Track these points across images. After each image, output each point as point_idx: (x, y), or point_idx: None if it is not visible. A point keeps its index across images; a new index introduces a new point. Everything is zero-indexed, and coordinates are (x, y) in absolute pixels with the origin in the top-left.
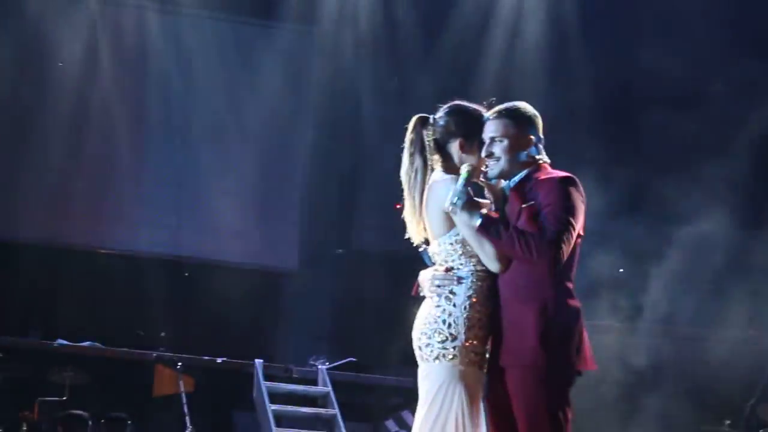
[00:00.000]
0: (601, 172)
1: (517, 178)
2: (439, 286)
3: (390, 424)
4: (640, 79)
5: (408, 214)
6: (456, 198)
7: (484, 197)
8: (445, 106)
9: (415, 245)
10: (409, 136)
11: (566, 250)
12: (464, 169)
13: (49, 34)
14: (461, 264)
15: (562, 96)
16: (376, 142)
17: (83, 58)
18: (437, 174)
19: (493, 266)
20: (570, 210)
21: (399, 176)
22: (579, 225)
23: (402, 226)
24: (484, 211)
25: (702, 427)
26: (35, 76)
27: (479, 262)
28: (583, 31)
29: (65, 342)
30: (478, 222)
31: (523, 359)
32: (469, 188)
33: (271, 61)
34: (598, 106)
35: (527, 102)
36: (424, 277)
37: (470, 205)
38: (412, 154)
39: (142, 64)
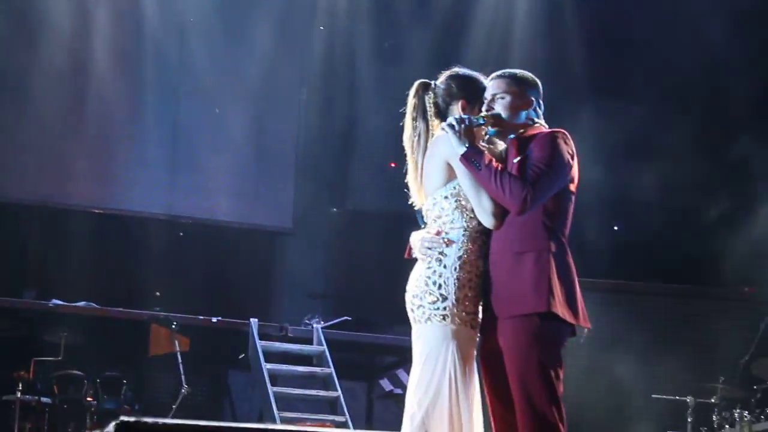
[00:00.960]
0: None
1: (511, 137)
2: (429, 249)
3: (384, 382)
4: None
5: (411, 178)
6: (458, 120)
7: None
8: (447, 72)
9: (416, 208)
10: (411, 101)
11: (540, 195)
12: (482, 114)
13: None
14: (453, 219)
15: (556, 60)
16: (371, 101)
17: (77, 19)
18: (438, 133)
19: (488, 221)
20: (553, 160)
21: (392, 136)
22: (565, 178)
23: (395, 185)
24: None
25: (698, 384)
26: (30, 37)
27: (471, 218)
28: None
29: (60, 302)
30: (464, 149)
31: (518, 308)
32: (474, 122)
33: (265, 20)
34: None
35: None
36: (415, 238)
37: (467, 132)
38: (414, 119)
39: (137, 24)
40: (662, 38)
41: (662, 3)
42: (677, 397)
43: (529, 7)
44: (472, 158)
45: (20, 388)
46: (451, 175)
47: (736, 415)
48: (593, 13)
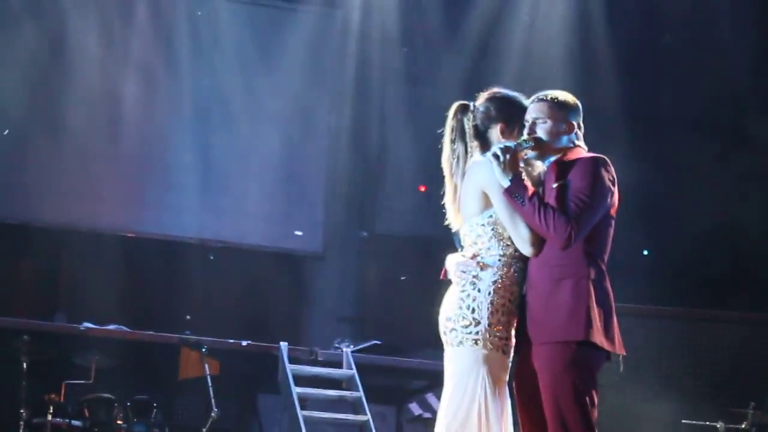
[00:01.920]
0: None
1: (551, 161)
2: (464, 271)
3: (414, 406)
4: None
5: (448, 201)
6: (503, 150)
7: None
8: (486, 93)
9: (453, 230)
10: (449, 123)
11: (583, 229)
12: (524, 135)
13: (76, 22)
14: (490, 247)
15: (586, 84)
16: (400, 124)
17: (110, 45)
18: (476, 157)
19: (526, 250)
20: (595, 191)
21: (422, 160)
22: (606, 205)
23: (424, 209)
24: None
25: (728, 409)
26: (64, 63)
27: (508, 245)
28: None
29: (91, 325)
30: (507, 182)
31: (554, 335)
32: (520, 150)
33: (295, 44)
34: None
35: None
36: (451, 261)
37: (512, 165)
38: (453, 141)
39: (167, 48)
40: (692, 64)
41: (691, 28)
42: (707, 423)
43: (562, 29)
44: (515, 193)
45: (51, 411)
46: (487, 204)
47: None
48: (626, 37)
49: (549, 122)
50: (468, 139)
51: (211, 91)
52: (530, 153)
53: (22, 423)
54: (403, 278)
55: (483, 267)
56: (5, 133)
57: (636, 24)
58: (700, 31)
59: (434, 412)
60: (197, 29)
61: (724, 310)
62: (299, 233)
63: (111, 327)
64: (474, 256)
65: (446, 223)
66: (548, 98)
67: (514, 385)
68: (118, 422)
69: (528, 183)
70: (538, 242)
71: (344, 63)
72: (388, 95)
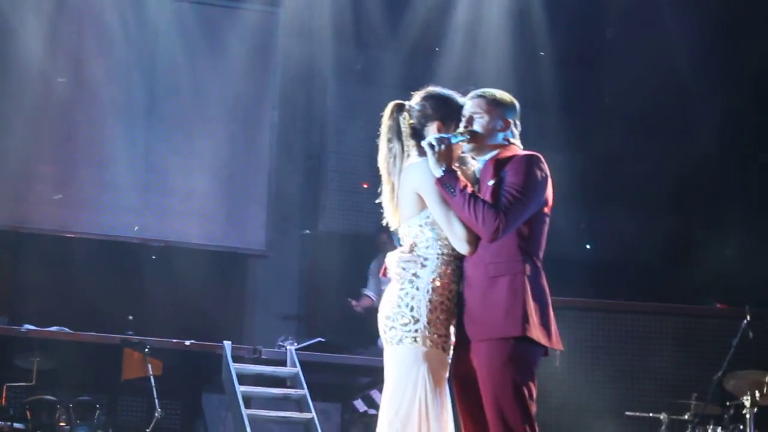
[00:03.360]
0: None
1: (487, 157)
2: (404, 269)
3: (358, 403)
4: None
5: (386, 200)
6: (438, 140)
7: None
8: (421, 92)
9: (392, 230)
10: (386, 123)
11: (512, 223)
12: (460, 129)
13: (12, 17)
14: (428, 246)
15: (527, 79)
16: (342, 123)
17: (46, 41)
18: (413, 158)
19: (462, 248)
20: (526, 186)
21: (364, 157)
22: (539, 202)
23: (366, 207)
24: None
25: (671, 401)
26: (1, 65)
27: (447, 245)
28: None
29: (32, 327)
30: (440, 173)
31: (492, 332)
32: (456, 143)
33: (236, 42)
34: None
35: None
36: (391, 259)
37: (445, 156)
38: (389, 140)
39: (105, 46)
40: (633, 59)
41: (633, 23)
42: (651, 414)
43: (501, 25)
44: (447, 183)
45: None
46: (423, 205)
47: (709, 431)
48: (565, 32)
49: (486, 117)
50: (404, 138)
51: (152, 89)
52: (466, 146)
53: None
54: None
55: (423, 263)
56: None
57: (577, 19)
58: (642, 25)
59: (378, 409)
60: (139, 27)
61: (666, 302)
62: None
63: (52, 329)
64: (411, 250)
65: (384, 222)
66: (486, 95)
67: (452, 382)
68: (61, 424)
69: (461, 176)
70: (474, 240)
71: (287, 61)
72: (330, 93)
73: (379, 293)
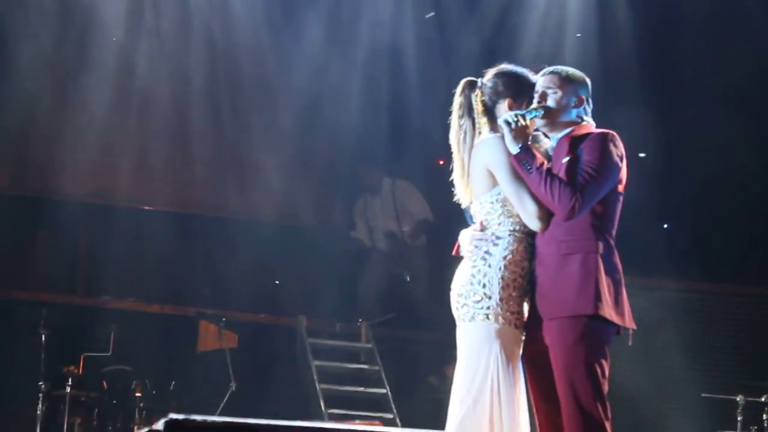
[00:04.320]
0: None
1: (560, 135)
2: (476, 246)
3: (433, 379)
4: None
5: (457, 177)
6: (514, 118)
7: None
8: (493, 69)
9: (463, 206)
10: (457, 99)
11: (588, 202)
12: (534, 105)
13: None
14: (500, 223)
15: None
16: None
17: (126, 20)
18: (484, 135)
19: (534, 224)
20: (602, 165)
21: (440, 133)
22: (613, 181)
23: (440, 184)
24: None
25: (748, 382)
26: (80, 39)
27: (518, 222)
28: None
29: (110, 298)
30: (517, 150)
31: (565, 310)
32: (531, 119)
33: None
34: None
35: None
36: (464, 236)
37: (521, 133)
38: (460, 117)
39: (186, 27)
40: (715, 40)
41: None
42: (727, 396)
43: (582, 4)
44: (523, 160)
45: (70, 383)
46: (494, 182)
47: None
48: (646, 12)
49: (559, 93)
50: (476, 115)
51: (232, 68)
52: (539, 122)
53: (41, 395)
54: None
55: (495, 241)
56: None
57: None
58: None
59: (451, 385)
60: (218, 8)
61: (744, 284)
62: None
63: (129, 299)
64: (483, 228)
65: (455, 199)
66: (559, 71)
67: (524, 360)
68: (137, 394)
69: (537, 153)
70: (546, 217)
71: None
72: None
73: (370, 233)
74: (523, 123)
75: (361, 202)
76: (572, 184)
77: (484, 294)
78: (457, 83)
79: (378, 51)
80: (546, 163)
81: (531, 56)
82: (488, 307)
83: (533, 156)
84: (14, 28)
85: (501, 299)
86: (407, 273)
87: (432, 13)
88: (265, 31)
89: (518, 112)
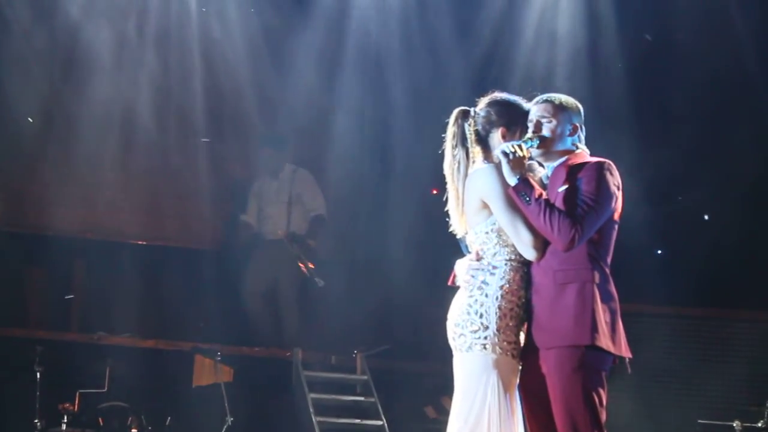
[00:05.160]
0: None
1: (556, 164)
2: (473, 276)
3: (429, 410)
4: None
5: (451, 207)
6: (511, 149)
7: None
8: (486, 98)
9: (458, 236)
10: (450, 129)
11: (587, 233)
12: (529, 135)
13: (87, 33)
14: (495, 253)
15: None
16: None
17: (118, 54)
18: (478, 164)
19: (529, 254)
20: (600, 195)
21: (432, 163)
22: (611, 210)
23: (438, 215)
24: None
25: (745, 408)
26: (74, 74)
27: (514, 251)
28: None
29: (104, 333)
30: (515, 181)
31: (561, 339)
32: (527, 148)
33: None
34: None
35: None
36: (460, 266)
37: (518, 164)
38: (454, 147)
39: (174, 52)
40: (704, 61)
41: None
42: (724, 423)
43: (569, 29)
44: (522, 191)
45: (65, 420)
46: (489, 211)
47: None
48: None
49: (554, 121)
50: (469, 145)
51: (218, 103)
52: (534, 152)
53: None
54: None
55: (492, 270)
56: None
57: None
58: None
59: (448, 416)
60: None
61: (739, 308)
62: None
63: (125, 335)
64: (479, 258)
65: (450, 229)
66: (553, 99)
67: (520, 389)
68: (133, 431)
69: (535, 183)
70: (541, 246)
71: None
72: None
73: (260, 216)
74: (521, 154)
75: (257, 184)
76: (571, 216)
77: (481, 324)
78: (450, 111)
79: (366, 76)
80: (544, 193)
81: (522, 81)
82: (485, 337)
83: (532, 187)
84: (2, 60)
85: (498, 329)
86: (319, 280)
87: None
88: (251, 63)
89: (515, 142)
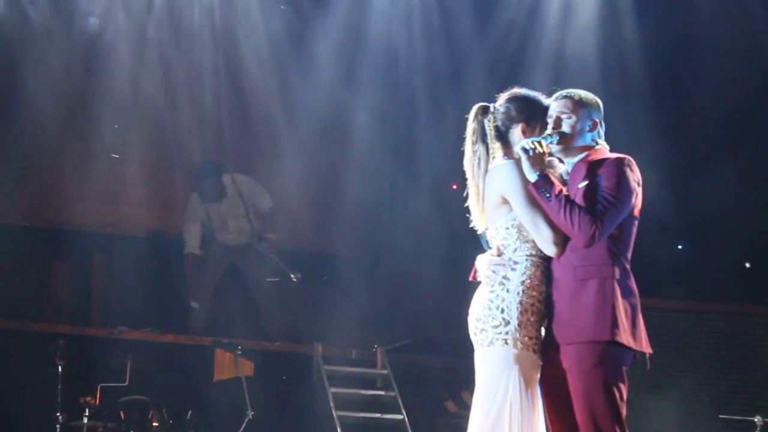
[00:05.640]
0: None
1: (575, 160)
2: (494, 272)
3: (450, 404)
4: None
5: (472, 202)
6: (531, 145)
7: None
8: (505, 93)
9: (479, 232)
10: (470, 125)
11: (607, 229)
12: (549, 131)
13: (108, 29)
14: (516, 248)
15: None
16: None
17: (138, 51)
18: (498, 160)
19: (549, 250)
20: (621, 191)
21: (451, 158)
22: (631, 206)
23: (459, 210)
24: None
25: (766, 403)
26: (95, 70)
27: (534, 247)
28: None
29: (126, 328)
30: (535, 177)
31: (582, 335)
32: (547, 145)
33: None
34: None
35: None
36: (481, 262)
37: (538, 160)
38: (474, 143)
39: (192, 49)
40: (725, 55)
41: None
42: (745, 417)
43: (590, 31)
44: (542, 188)
45: (87, 414)
46: (509, 207)
47: None
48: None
49: (573, 117)
50: (489, 141)
51: (240, 91)
52: (554, 148)
53: (58, 426)
54: None
55: (513, 266)
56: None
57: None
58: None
59: (469, 410)
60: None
61: (760, 304)
62: None
63: (145, 330)
64: (500, 253)
65: (471, 225)
66: (572, 95)
67: (541, 384)
68: (154, 424)
69: (555, 180)
70: (561, 242)
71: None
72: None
73: (211, 234)
74: (541, 150)
75: (199, 211)
76: (592, 212)
77: (503, 319)
78: (468, 108)
79: (387, 73)
80: (564, 190)
81: (543, 80)
82: (507, 332)
83: (552, 184)
84: (25, 58)
85: (519, 324)
86: (295, 274)
87: None
88: (273, 62)
89: (534, 138)
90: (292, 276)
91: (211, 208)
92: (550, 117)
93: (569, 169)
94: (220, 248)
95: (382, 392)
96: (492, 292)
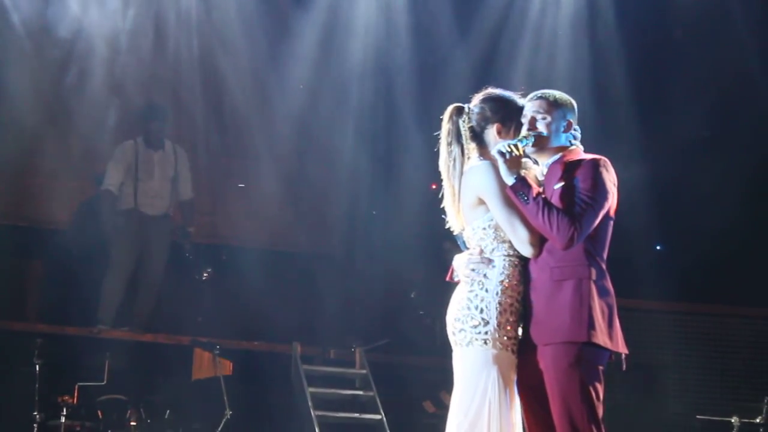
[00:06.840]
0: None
1: (551, 161)
2: (473, 270)
3: (428, 404)
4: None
5: (448, 203)
6: (507, 147)
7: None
8: (480, 94)
9: (455, 233)
10: (445, 126)
11: (585, 230)
12: (524, 132)
13: (85, 24)
14: (494, 249)
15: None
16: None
17: (115, 47)
18: (473, 161)
19: (526, 251)
20: (597, 192)
21: (430, 158)
22: (607, 207)
23: (438, 210)
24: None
25: (742, 404)
26: (71, 68)
27: (511, 247)
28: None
29: (104, 327)
30: (512, 180)
31: (559, 336)
32: (523, 147)
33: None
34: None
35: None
36: (459, 261)
37: (515, 163)
38: (449, 144)
39: (183, 58)
40: (704, 56)
41: (702, 23)
42: (723, 418)
43: (569, 26)
44: (520, 191)
45: (64, 413)
46: (486, 208)
47: None
48: (636, 36)
49: (548, 118)
50: (464, 141)
51: (223, 93)
52: (529, 148)
53: (35, 425)
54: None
55: (490, 265)
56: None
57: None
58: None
59: (447, 410)
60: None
61: (738, 305)
62: None
63: (123, 329)
64: (481, 252)
65: (447, 225)
66: (547, 96)
67: (518, 384)
68: (132, 424)
69: (532, 182)
70: (537, 243)
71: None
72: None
73: (140, 191)
74: (518, 153)
75: (128, 149)
76: (570, 214)
77: (482, 319)
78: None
79: (367, 75)
80: (541, 191)
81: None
82: (486, 332)
83: (529, 186)
84: (3, 59)
85: (499, 324)
86: (207, 271)
87: None
88: (251, 56)
89: (510, 141)
90: (204, 274)
91: (145, 153)
92: (525, 117)
93: (544, 171)
94: (136, 220)
95: (360, 392)
96: (471, 291)
